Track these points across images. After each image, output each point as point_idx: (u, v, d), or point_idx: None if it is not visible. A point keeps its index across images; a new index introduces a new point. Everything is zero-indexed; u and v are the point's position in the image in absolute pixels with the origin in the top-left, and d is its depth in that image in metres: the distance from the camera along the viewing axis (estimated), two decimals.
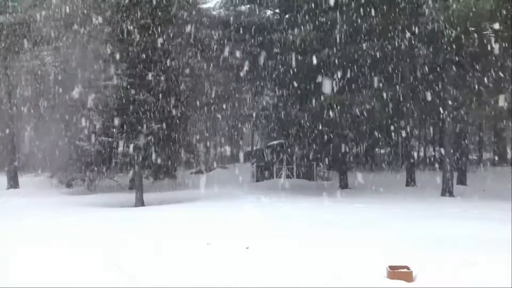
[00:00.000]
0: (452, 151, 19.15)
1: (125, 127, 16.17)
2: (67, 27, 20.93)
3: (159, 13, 16.78)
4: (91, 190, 22.04)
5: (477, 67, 18.84)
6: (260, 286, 5.71)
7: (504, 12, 14.00)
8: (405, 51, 19.39)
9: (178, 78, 17.37)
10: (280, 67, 20.25)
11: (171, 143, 16.61)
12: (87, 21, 19.86)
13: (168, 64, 16.95)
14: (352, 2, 18.39)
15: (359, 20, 18.45)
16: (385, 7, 18.55)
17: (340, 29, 18.98)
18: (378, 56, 19.07)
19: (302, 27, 19.24)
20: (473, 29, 15.61)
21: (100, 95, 16.51)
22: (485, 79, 18.07)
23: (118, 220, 12.05)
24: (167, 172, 17.59)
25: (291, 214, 12.92)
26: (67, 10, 20.27)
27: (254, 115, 27.10)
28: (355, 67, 19.17)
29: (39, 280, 6.02)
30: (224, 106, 29.19)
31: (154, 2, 16.63)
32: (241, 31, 22.23)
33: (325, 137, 20.24)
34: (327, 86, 17.34)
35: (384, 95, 18.91)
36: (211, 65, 23.16)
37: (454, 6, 14.70)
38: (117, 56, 16.51)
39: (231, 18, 23.80)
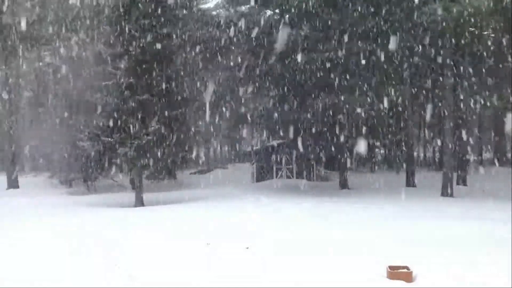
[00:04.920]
0: (452, 151, 19.14)
1: (125, 127, 16.17)
2: (67, 28, 20.97)
3: (159, 13, 16.77)
4: (91, 190, 22.07)
5: (477, 67, 18.85)
6: (260, 286, 5.71)
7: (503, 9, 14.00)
8: (405, 51, 19.38)
9: (178, 78, 17.38)
10: (280, 67, 20.25)
11: (171, 143, 16.61)
12: (87, 21, 19.91)
13: (168, 64, 16.96)
14: (353, 2, 18.42)
15: (359, 20, 18.47)
16: (385, 7, 18.58)
17: (340, 29, 18.99)
18: (378, 56, 19.07)
19: (302, 27, 19.25)
20: (473, 29, 15.62)
21: (100, 95, 16.51)
22: (485, 79, 18.10)
23: (118, 220, 12.05)
24: (167, 172, 17.58)
25: (291, 214, 12.90)
26: (68, 10, 20.29)
27: (254, 115, 27.07)
28: (355, 67, 19.17)
29: (39, 280, 6.02)
30: (224, 106, 29.20)
31: (154, 2, 16.64)
32: (241, 31, 22.22)
33: (325, 137, 20.23)
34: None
35: (384, 95, 18.91)
36: (211, 65, 23.19)
37: (454, 6, 14.72)
38: (117, 56, 16.52)
39: (231, 18, 23.81)
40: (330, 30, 19.35)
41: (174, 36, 17.77)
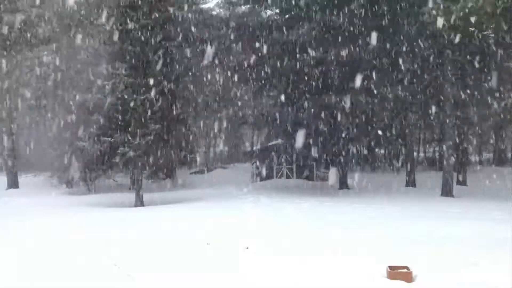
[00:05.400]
0: (452, 151, 19.15)
1: (125, 127, 16.16)
2: (67, 28, 20.97)
3: (159, 13, 16.77)
4: (91, 190, 22.05)
5: (477, 67, 18.83)
6: (260, 286, 5.71)
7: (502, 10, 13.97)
8: (405, 51, 19.38)
9: (178, 78, 17.37)
10: (280, 67, 20.24)
11: (171, 143, 16.61)
12: (87, 21, 19.90)
13: (168, 64, 16.96)
14: (354, 2, 18.42)
15: (359, 20, 18.47)
16: (386, 7, 18.58)
17: (341, 29, 18.99)
18: (378, 56, 19.07)
19: (302, 26, 19.25)
20: (473, 29, 15.60)
21: (100, 95, 16.51)
22: (485, 79, 18.06)
23: (118, 220, 12.06)
24: (167, 172, 17.59)
25: (291, 214, 12.91)
26: (68, 10, 20.27)
27: (254, 115, 27.07)
28: (355, 67, 19.16)
29: (39, 280, 6.02)
30: (224, 106, 29.20)
31: (154, 2, 16.64)
32: (241, 31, 22.23)
33: (325, 137, 20.23)
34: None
35: (384, 95, 18.93)
36: (211, 65, 23.15)
37: (455, 6, 14.68)
38: (117, 56, 16.52)
39: (231, 18, 23.80)
40: (331, 30, 19.35)
41: (174, 36, 17.77)
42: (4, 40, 22.49)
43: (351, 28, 18.82)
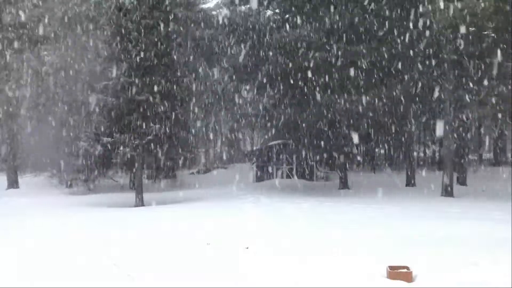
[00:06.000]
0: (452, 151, 19.14)
1: (125, 127, 16.16)
2: (68, 28, 20.97)
3: (160, 13, 16.77)
4: (91, 190, 22.04)
5: (477, 67, 18.82)
6: (260, 286, 5.71)
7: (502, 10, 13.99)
8: (405, 51, 19.38)
9: (179, 78, 17.38)
10: (280, 67, 20.24)
11: (171, 144, 16.61)
12: (88, 21, 19.89)
13: (168, 64, 16.95)
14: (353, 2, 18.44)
15: (359, 21, 18.47)
16: (385, 7, 18.58)
17: (340, 29, 19.00)
18: (378, 56, 19.06)
19: (302, 27, 19.26)
20: (473, 29, 15.61)
21: (100, 96, 16.51)
22: (485, 79, 18.03)
23: (118, 220, 12.06)
24: (167, 172, 17.59)
25: (291, 214, 12.91)
26: (69, 10, 20.28)
27: (254, 115, 27.07)
28: (355, 67, 19.16)
29: (39, 280, 6.02)
30: (224, 106, 29.19)
31: (154, 2, 16.64)
32: (241, 31, 22.24)
33: (325, 137, 20.23)
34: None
35: (384, 95, 18.92)
36: (212, 65, 23.17)
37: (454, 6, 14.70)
38: (118, 57, 16.52)
39: (231, 18, 23.81)
40: (330, 30, 19.35)
41: (175, 36, 17.76)
42: (5, 39, 22.52)
43: (350, 28, 18.81)
